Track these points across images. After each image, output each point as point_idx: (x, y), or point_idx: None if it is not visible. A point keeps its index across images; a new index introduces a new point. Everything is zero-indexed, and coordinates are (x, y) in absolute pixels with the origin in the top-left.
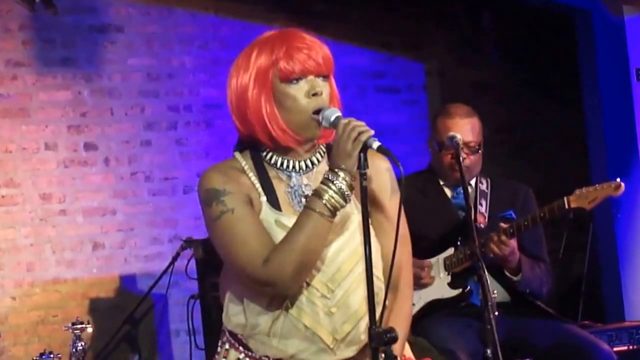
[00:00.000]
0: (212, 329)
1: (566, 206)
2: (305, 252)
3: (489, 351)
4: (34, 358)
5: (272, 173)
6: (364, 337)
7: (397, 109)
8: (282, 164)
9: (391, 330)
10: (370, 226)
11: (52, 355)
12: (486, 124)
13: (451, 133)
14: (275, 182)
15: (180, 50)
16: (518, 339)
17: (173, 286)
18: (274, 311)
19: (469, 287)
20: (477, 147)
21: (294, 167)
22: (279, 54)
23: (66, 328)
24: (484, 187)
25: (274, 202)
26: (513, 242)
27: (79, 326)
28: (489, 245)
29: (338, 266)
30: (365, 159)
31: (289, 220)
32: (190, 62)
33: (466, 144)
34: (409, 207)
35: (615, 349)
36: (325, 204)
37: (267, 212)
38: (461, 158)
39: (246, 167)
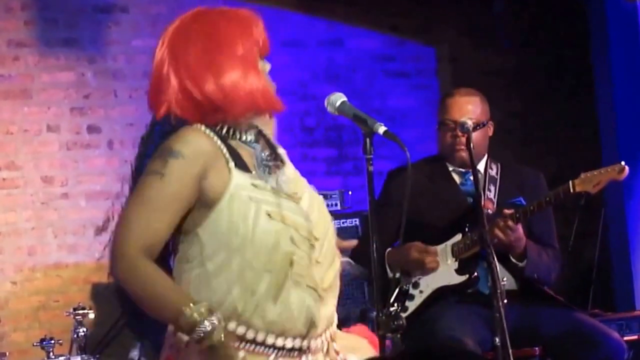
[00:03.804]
0: None
1: (571, 190)
2: (143, 305)
3: (497, 339)
4: (35, 344)
5: (233, 142)
6: (336, 292)
7: (407, 94)
8: (242, 137)
9: (398, 317)
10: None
11: (53, 341)
12: (498, 110)
13: (462, 119)
14: (238, 149)
15: None
16: (527, 327)
17: None
18: (277, 276)
19: (475, 274)
20: (476, 124)
21: (251, 139)
22: (259, 31)
23: (67, 314)
24: (493, 172)
25: (243, 166)
26: (519, 228)
27: (80, 312)
28: (493, 230)
29: (316, 216)
30: (372, 144)
31: (260, 182)
32: None
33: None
34: (416, 193)
35: (625, 338)
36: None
37: (239, 177)
38: (460, 135)
39: (211, 134)
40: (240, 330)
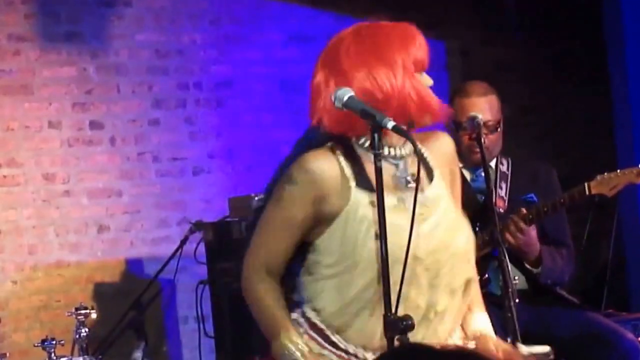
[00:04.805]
0: (222, 316)
1: (587, 192)
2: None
3: (509, 340)
4: (36, 344)
5: (366, 159)
6: (453, 315)
7: None
8: (387, 152)
9: (407, 317)
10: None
11: (54, 342)
12: (510, 105)
13: (472, 113)
14: (367, 166)
15: (191, 26)
16: (539, 327)
17: (181, 271)
18: (377, 295)
19: (486, 275)
20: (495, 126)
21: (396, 155)
22: (417, 46)
23: (69, 314)
24: (504, 168)
25: (366, 184)
26: (532, 233)
27: (82, 312)
28: (504, 234)
29: (439, 238)
30: (380, 139)
31: (385, 199)
32: (200, 38)
33: (484, 124)
34: None
35: None
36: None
37: (358, 195)
38: (484, 135)
39: (338, 152)
40: (335, 340)
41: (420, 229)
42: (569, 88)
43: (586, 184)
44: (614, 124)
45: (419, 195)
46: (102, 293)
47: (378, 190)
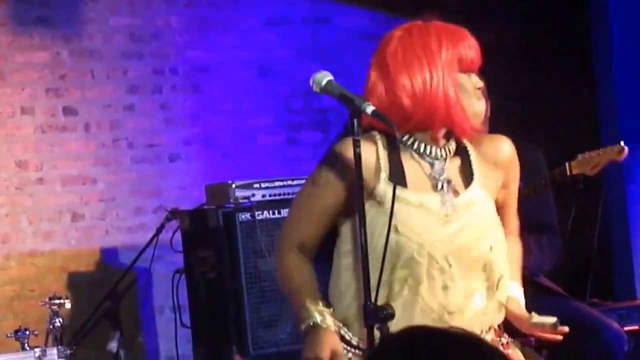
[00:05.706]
0: (198, 305)
1: (568, 172)
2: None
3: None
4: (9, 335)
5: (405, 155)
6: (472, 317)
7: None
8: (424, 150)
9: (386, 307)
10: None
11: (27, 332)
12: (495, 92)
13: None
14: (405, 162)
15: (166, 9)
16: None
17: (157, 260)
18: (390, 285)
19: None
20: None
21: (436, 155)
22: (464, 46)
23: (43, 303)
24: None
25: (397, 179)
26: None
27: (56, 301)
28: None
29: (460, 242)
30: (360, 125)
31: (412, 195)
32: (176, 21)
33: None
34: None
35: (625, 328)
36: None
37: (384, 188)
38: None
39: (379, 142)
40: (346, 335)
41: (442, 231)
42: (554, 73)
43: (567, 164)
44: (598, 108)
45: (451, 198)
46: (76, 282)
47: (358, 179)
